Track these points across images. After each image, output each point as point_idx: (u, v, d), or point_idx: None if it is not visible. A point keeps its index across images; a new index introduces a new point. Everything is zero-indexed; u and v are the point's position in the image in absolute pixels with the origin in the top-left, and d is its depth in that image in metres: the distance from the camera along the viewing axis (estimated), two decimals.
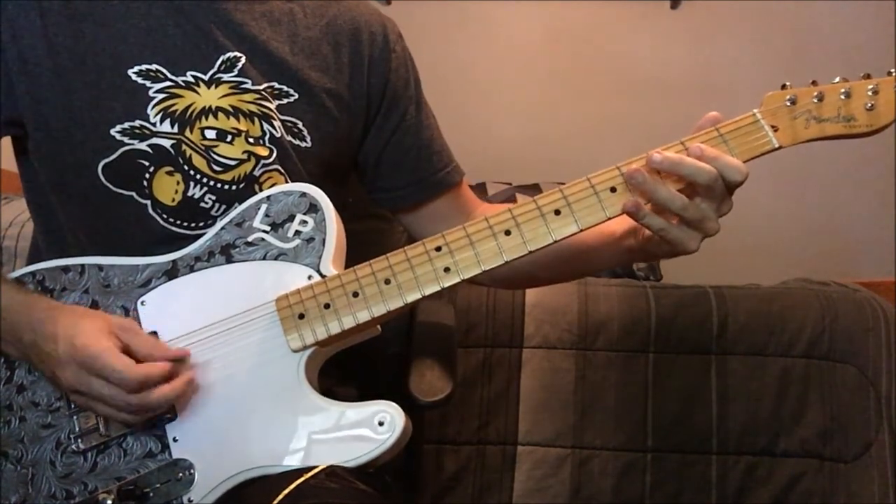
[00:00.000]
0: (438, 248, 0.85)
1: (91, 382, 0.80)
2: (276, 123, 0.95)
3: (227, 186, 0.93)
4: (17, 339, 0.85)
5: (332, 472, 0.79)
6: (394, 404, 0.82)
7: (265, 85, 0.95)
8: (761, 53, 2.61)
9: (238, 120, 0.93)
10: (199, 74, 0.92)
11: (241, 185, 0.94)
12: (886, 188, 2.53)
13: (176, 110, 0.91)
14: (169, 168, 0.92)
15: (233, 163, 0.93)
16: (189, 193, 0.92)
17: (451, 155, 1.10)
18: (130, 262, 0.91)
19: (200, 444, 0.84)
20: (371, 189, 1.09)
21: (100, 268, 0.91)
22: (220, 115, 0.93)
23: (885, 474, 1.53)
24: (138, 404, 0.80)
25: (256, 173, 0.94)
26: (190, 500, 0.82)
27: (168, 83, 0.91)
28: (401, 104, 1.06)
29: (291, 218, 0.90)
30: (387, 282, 0.85)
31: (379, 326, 0.90)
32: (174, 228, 0.93)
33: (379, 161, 1.06)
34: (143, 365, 0.81)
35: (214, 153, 0.93)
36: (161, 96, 0.91)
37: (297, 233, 0.89)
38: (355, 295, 0.85)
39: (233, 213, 0.92)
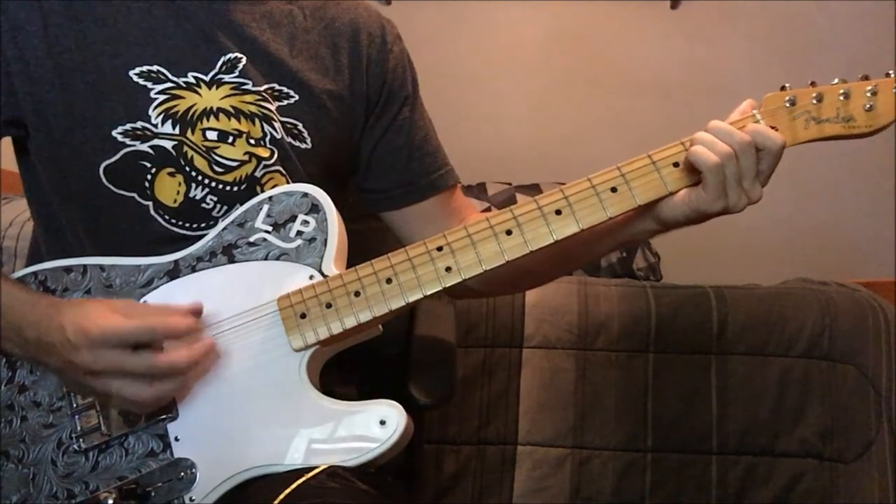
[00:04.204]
0: (440, 248, 0.86)
1: (111, 357, 0.78)
2: (277, 125, 0.96)
3: (228, 187, 0.94)
4: (20, 337, 0.84)
5: (332, 471, 0.79)
6: (395, 404, 0.83)
7: (266, 86, 0.96)
8: (761, 53, 2.61)
9: (239, 121, 0.94)
10: (200, 75, 0.93)
11: (243, 187, 0.94)
12: (886, 188, 2.53)
13: (177, 111, 0.91)
14: (170, 169, 0.92)
15: (234, 164, 0.94)
16: (190, 194, 0.93)
17: (445, 159, 1.10)
18: (132, 262, 0.91)
19: (202, 443, 0.85)
20: (363, 189, 1.08)
21: (102, 268, 0.91)
22: (222, 116, 0.93)
23: (885, 474, 1.53)
24: (160, 364, 0.79)
25: (258, 174, 0.95)
26: (191, 500, 0.83)
27: (169, 84, 0.91)
28: (395, 103, 1.05)
29: (293, 218, 0.90)
30: (388, 281, 0.85)
31: (380, 326, 0.91)
32: (176, 229, 0.93)
33: (370, 160, 1.06)
34: (160, 316, 0.81)
35: (216, 154, 0.93)
36: (162, 97, 0.91)
37: (299, 233, 0.89)
38: (357, 294, 0.85)
39: (235, 214, 0.92)
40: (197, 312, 0.85)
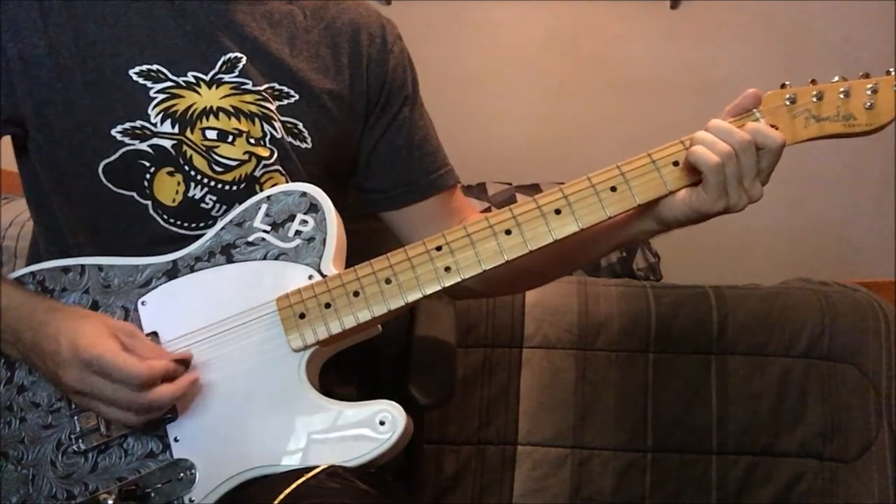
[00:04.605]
0: (439, 248, 0.85)
1: (95, 382, 0.79)
2: (277, 124, 0.95)
3: (227, 187, 0.94)
4: (17, 339, 0.85)
5: (332, 471, 0.79)
6: (395, 404, 0.83)
7: (266, 86, 0.96)
8: (761, 53, 2.61)
9: (239, 120, 0.93)
10: (200, 75, 0.92)
11: (242, 186, 0.94)
12: (886, 188, 2.53)
13: (177, 111, 0.91)
14: (170, 168, 0.92)
15: (234, 163, 0.93)
16: (190, 194, 0.92)
17: (445, 159, 1.09)
18: (131, 262, 0.91)
19: (202, 444, 0.84)
20: (363, 189, 1.08)
21: (100, 268, 0.91)
22: (221, 115, 0.93)
23: (885, 474, 1.53)
24: (141, 403, 0.80)
25: (257, 174, 0.95)
26: (191, 500, 0.82)
27: (169, 83, 0.91)
28: (395, 103, 1.06)
29: (292, 218, 0.90)
30: (387, 281, 0.85)
31: (380, 326, 0.91)
32: (175, 229, 0.93)
33: (370, 160, 1.06)
34: (148, 361, 0.81)
35: (215, 154, 0.93)
36: (162, 97, 0.91)
37: (298, 232, 0.89)
38: (356, 294, 0.85)
39: (233, 213, 0.92)
40: (186, 363, 0.85)
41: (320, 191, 0.91)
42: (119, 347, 0.80)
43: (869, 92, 0.82)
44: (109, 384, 0.79)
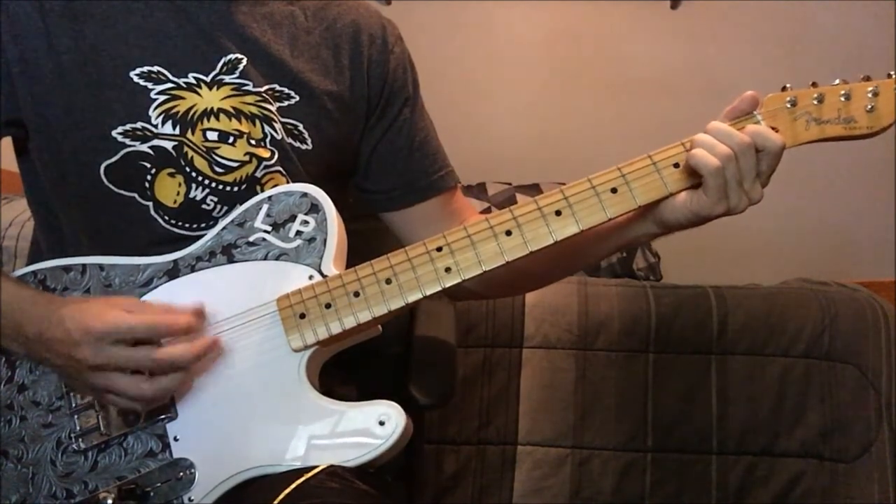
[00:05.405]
0: (440, 249, 0.85)
1: (111, 352, 0.79)
2: (277, 125, 0.95)
3: (228, 188, 0.94)
4: (18, 334, 0.84)
5: (332, 471, 0.79)
6: (395, 404, 0.83)
7: (266, 87, 0.96)
8: (761, 53, 2.61)
9: (240, 122, 0.93)
10: (200, 76, 0.92)
11: (243, 187, 0.94)
12: (886, 188, 2.53)
13: (177, 112, 0.91)
14: (170, 170, 0.92)
15: (234, 164, 0.93)
16: (191, 195, 0.92)
17: (445, 160, 1.10)
18: (132, 261, 0.91)
19: (201, 443, 0.85)
20: (363, 190, 1.08)
21: (101, 267, 0.91)
22: (222, 116, 0.93)
23: (885, 474, 1.53)
24: (163, 359, 0.80)
25: (258, 175, 0.95)
26: (190, 500, 0.83)
27: (170, 85, 0.91)
28: (395, 104, 1.06)
29: (293, 218, 0.90)
30: (388, 282, 0.85)
31: (380, 326, 0.91)
32: (176, 230, 0.93)
33: (370, 161, 1.06)
34: (160, 315, 0.81)
35: (216, 155, 0.93)
36: (163, 98, 0.91)
37: (299, 233, 0.89)
38: (356, 295, 0.85)
39: (234, 214, 0.92)
40: (199, 314, 0.85)
41: (321, 191, 0.91)
42: (126, 313, 0.81)
43: (870, 95, 0.82)
44: (128, 349, 0.79)
